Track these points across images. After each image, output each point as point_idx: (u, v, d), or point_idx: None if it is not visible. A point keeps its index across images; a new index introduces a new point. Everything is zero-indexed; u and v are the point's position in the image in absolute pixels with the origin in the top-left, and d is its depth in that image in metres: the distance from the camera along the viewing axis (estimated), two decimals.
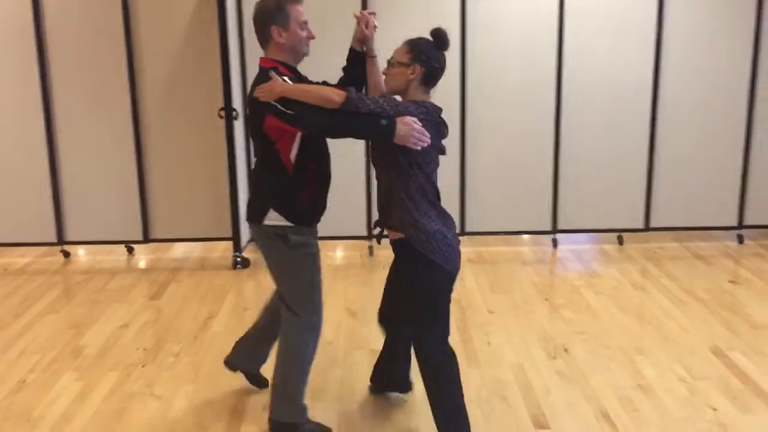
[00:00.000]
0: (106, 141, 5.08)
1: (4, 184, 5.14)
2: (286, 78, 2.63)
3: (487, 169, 5.26)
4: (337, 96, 2.52)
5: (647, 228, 5.42)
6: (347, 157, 5.11)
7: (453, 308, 4.12)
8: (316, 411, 3.08)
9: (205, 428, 3.01)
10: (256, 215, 2.78)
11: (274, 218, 2.74)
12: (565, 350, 3.67)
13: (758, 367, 3.46)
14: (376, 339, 3.80)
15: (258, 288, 4.66)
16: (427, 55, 2.61)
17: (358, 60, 2.94)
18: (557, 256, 5.21)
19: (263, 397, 3.19)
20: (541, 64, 5.13)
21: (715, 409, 3.09)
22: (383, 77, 2.74)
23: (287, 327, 2.86)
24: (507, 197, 5.30)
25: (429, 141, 2.51)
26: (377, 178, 2.76)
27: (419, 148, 2.51)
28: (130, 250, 5.43)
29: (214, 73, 4.85)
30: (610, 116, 5.24)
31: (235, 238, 5.02)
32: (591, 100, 5.20)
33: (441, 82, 2.70)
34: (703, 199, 5.39)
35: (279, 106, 2.57)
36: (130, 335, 3.95)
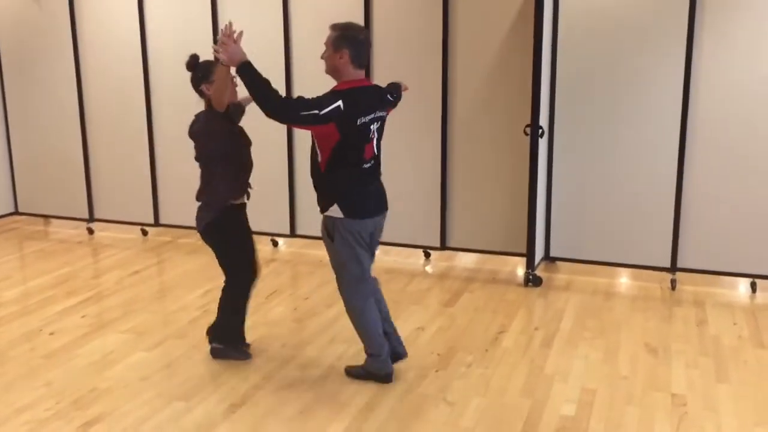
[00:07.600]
0: (417, 151, 5.39)
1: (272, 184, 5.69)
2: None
3: None
4: None
5: None
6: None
7: None
8: None
9: None
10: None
11: None
12: None
13: None
14: (677, 382, 3.55)
15: (548, 308, 4.60)
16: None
17: None
18: None
19: (555, 421, 3.16)
20: None
21: None
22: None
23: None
24: None
25: None
26: None
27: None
28: (427, 255, 5.69)
29: (524, 91, 4.91)
30: None
31: (530, 254, 5.01)
32: None
33: None
34: None
35: None
36: (425, 338, 4.15)
